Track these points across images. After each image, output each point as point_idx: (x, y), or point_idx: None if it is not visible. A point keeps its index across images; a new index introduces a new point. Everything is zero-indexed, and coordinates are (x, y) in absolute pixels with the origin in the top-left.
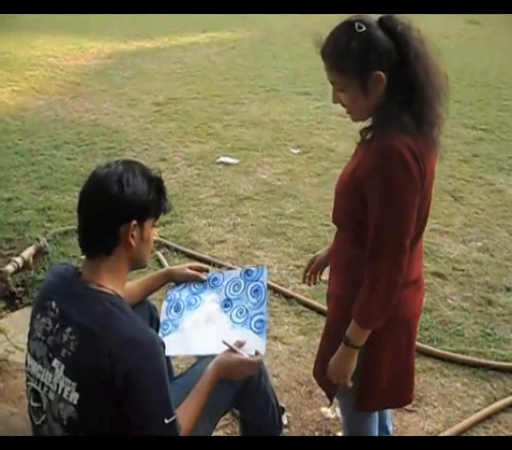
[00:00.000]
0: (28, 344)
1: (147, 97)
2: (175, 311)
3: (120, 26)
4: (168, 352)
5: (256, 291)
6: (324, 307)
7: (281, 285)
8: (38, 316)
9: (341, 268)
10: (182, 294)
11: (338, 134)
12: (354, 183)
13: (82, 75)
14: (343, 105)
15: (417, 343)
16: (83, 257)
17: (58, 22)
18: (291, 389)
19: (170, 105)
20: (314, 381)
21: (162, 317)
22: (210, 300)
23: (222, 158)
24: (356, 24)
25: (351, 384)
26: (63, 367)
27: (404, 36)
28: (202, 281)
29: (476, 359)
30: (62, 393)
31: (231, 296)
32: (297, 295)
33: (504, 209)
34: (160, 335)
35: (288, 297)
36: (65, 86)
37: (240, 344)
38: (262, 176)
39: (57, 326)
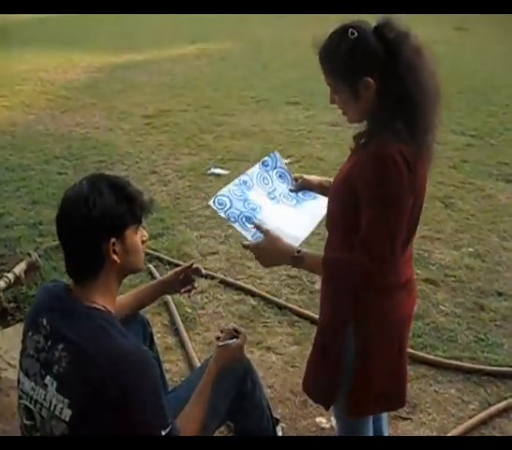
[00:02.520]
0: (20, 361)
1: (137, 109)
2: (249, 223)
3: (109, 39)
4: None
5: (281, 176)
6: (318, 317)
7: (274, 295)
8: (30, 333)
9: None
10: (238, 207)
11: (328, 143)
12: (349, 186)
13: (72, 89)
14: (339, 107)
15: (411, 350)
16: None
17: (47, 35)
18: (285, 399)
19: (160, 117)
20: None
21: (248, 234)
22: (261, 199)
23: (213, 170)
24: (350, 30)
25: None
26: (55, 383)
27: (397, 43)
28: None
29: (470, 365)
30: (54, 410)
31: (269, 190)
32: (290, 305)
33: (495, 214)
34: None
35: (281, 307)
36: (55, 100)
37: (232, 336)
38: None
39: (49, 343)
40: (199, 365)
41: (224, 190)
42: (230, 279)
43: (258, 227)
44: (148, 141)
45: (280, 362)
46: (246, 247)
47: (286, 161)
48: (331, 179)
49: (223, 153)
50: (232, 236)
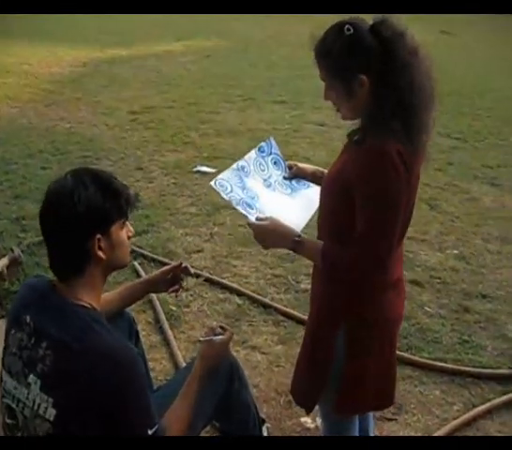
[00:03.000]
0: (3, 360)
1: (123, 105)
2: (250, 207)
3: (95, 34)
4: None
5: (275, 163)
6: (303, 317)
7: (259, 294)
8: (13, 331)
9: (321, 270)
10: (238, 193)
11: (314, 143)
12: (341, 182)
13: (57, 83)
14: (333, 103)
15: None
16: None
17: (33, 29)
18: (270, 399)
19: (145, 114)
20: None
21: (251, 217)
22: (258, 186)
23: (199, 167)
24: (346, 27)
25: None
26: (39, 382)
27: (393, 42)
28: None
29: (454, 366)
30: (38, 409)
31: (264, 176)
32: (276, 305)
33: (479, 217)
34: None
35: (266, 307)
36: (39, 94)
37: (216, 333)
38: None
39: (32, 341)
40: (184, 363)
41: (223, 175)
42: (215, 278)
43: (258, 219)
44: (133, 137)
45: (265, 361)
46: (250, 225)
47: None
48: (323, 169)
49: (209, 150)
50: (217, 234)
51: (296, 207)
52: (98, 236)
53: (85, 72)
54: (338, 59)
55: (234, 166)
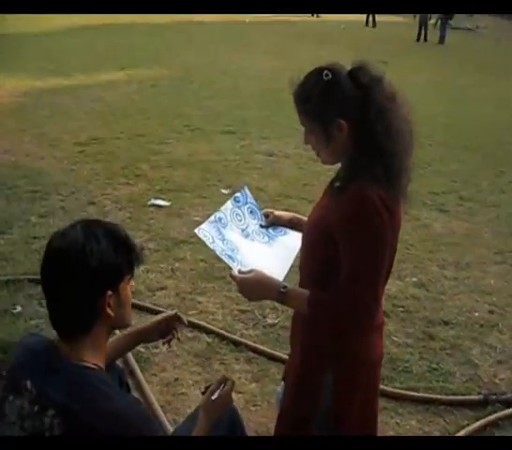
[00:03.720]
0: None
1: (69, 136)
2: (231, 260)
3: (32, 62)
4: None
5: (251, 212)
6: (275, 352)
7: (228, 331)
8: (11, 397)
9: (306, 319)
10: (220, 245)
11: (265, 174)
12: (324, 230)
13: None
14: (313, 148)
15: None
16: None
17: None
18: None
19: (93, 145)
20: (272, 430)
21: (234, 266)
22: (236, 238)
23: (153, 201)
24: (324, 72)
25: None
26: None
27: (371, 88)
28: (218, 223)
29: (427, 395)
30: None
31: (242, 227)
32: (246, 341)
33: (432, 244)
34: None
35: (236, 344)
36: None
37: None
38: (195, 218)
39: (36, 409)
40: (158, 408)
41: (204, 226)
42: (181, 315)
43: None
44: (83, 170)
45: (242, 401)
46: (233, 277)
47: (228, 191)
48: (300, 216)
49: (162, 183)
50: (179, 270)
51: (276, 256)
52: (110, 293)
53: (27, 102)
54: (318, 104)
55: (212, 218)
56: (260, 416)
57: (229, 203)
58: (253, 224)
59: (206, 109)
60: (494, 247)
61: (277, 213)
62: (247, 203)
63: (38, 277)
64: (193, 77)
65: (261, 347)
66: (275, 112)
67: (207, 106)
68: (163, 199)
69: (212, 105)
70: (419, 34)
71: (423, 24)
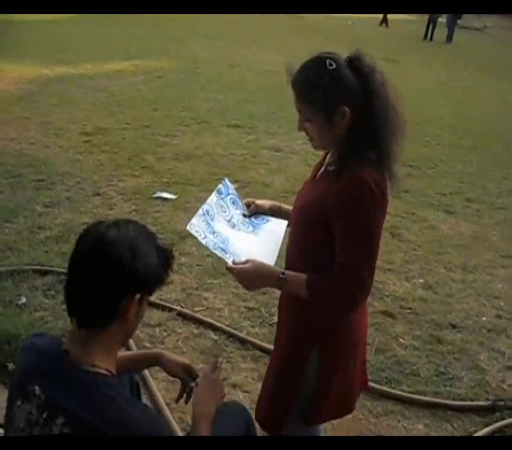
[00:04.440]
0: (6, 434)
1: (74, 126)
2: (224, 252)
3: (40, 50)
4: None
5: (233, 202)
6: None
7: (235, 329)
8: (19, 401)
9: (292, 298)
10: (211, 238)
11: (272, 169)
12: (319, 213)
13: (3, 101)
14: (307, 134)
15: (377, 385)
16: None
17: None
18: None
19: (99, 135)
20: None
21: (228, 259)
22: (225, 229)
23: (159, 194)
24: (327, 61)
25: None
26: None
27: (369, 77)
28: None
29: (435, 399)
30: None
31: (227, 217)
32: (252, 340)
33: (439, 245)
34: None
35: (243, 342)
36: None
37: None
38: None
39: (44, 415)
40: (164, 405)
41: (194, 220)
42: (188, 312)
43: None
44: (88, 160)
45: (248, 400)
46: (230, 269)
47: (235, 186)
48: (279, 203)
49: (168, 176)
50: (185, 265)
51: (263, 244)
52: (138, 296)
53: (33, 90)
54: (326, 92)
55: (200, 211)
56: None
57: (213, 196)
58: (237, 214)
59: (213, 102)
60: (502, 250)
61: (258, 202)
62: (229, 194)
63: (43, 267)
64: (201, 70)
65: (267, 345)
66: (282, 107)
67: (214, 99)
68: (169, 192)
69: (219, 98)
70: (427, 32)
71: (432, 23)
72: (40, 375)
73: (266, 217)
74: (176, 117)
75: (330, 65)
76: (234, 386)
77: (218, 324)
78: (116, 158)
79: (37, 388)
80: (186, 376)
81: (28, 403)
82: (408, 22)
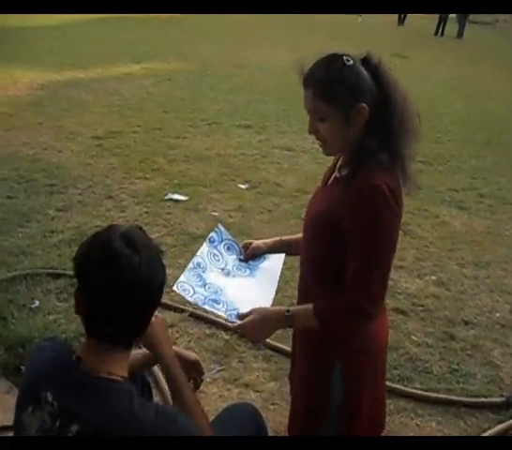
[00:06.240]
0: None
1: (86, 130)
2: (217, 303)
3: (51, 55)
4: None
5: (228, 248)
6: None
7: None
8: (30, 409)
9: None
10: (201, 292)
11: (283, 169)
12: (332, 221)
13: (15, 106)
14: (317, 138)
15: (389, 383)
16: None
17: None
18: None
19: (110, 139)
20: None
21: (221, 312)
22: (218, 278)
23: (171, 195)
24: (345, 58)
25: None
26: None
27: (384, 76)
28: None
29: (448, 397)
30: None
31: (221, 266)
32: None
33: (452, 242)
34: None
35: (254, 341)
36: None
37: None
38: (213, 213)
39: (58, 423)
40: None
41: (183, 277)
42: (199, 312)
43: (242, 317)
44: (100, 163)
45: (260, 400)
46: (235, 329)
47: (245, 187)
48: (285, 237)
49: (179, 177)
50: None
51: (261, 285)
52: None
53: (44, 95)
54: (349, 88)
55: (190, 265)
56: (279, 415)
57: (204, 246)
58: (232, 260)
59: (223, 103)
60: None
61: (255, 244)
62: (223, 241)
63: (56, 271)
64: (210, 70)
65: (279, 345)
66: (292, 107)
67: (224, 100)
68: (180, 193)
69: (229, 99)
70: (438, 28)
71: (443, 17)
72: (52, 382)
73: (264, 256)
74: (187, 119)
75: (348, 61)
76: (246, 386)
77: (230, 324)
78: (128, 161)
79: (48, 395)
80: (193, 373)
81: (40, 410)
82: (418, 18)
